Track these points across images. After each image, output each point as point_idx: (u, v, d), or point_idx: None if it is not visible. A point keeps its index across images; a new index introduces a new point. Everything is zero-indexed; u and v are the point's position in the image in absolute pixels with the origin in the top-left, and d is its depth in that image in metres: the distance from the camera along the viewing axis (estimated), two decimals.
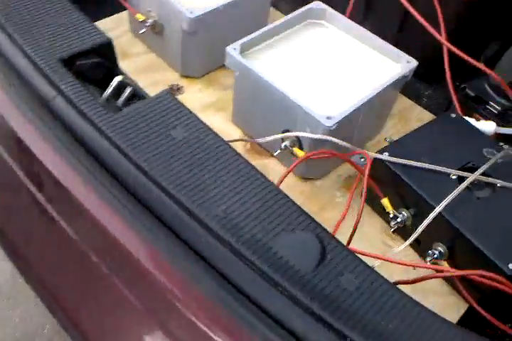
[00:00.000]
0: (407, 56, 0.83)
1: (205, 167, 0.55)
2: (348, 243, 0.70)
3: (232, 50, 0.80)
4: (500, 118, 0.89)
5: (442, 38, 0.86)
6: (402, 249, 0.70)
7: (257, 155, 0.89)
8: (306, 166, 0.81)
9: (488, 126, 0.82)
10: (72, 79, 0.59)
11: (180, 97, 0.93)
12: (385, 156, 0.73)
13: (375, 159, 0.74)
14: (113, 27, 1.04)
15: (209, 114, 0.93)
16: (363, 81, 0.81)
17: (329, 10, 0.90)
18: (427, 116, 0.98)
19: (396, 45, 1.05)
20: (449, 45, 0.86)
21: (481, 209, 0.69)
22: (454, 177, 0.72)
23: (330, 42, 0.88)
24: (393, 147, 0.75)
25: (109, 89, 0.63)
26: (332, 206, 0.83)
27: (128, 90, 0.65)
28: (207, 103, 0.95)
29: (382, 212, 0.79)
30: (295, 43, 0.87)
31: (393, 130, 0.95)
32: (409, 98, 1.01)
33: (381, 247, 0.79)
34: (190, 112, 0.61)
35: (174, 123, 0.59)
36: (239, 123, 0.92)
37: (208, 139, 0.58)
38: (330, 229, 0.53)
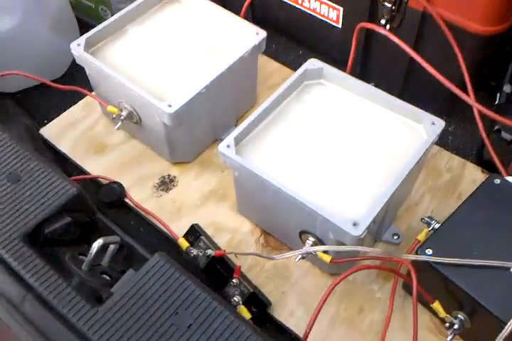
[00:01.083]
0: (430, 116, 0.70)
1: None
2: None
3: (225, 148, 0.67)
4: None
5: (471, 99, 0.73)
6: None
7: (276, 251, 0.77)
8: (332, 265, 0.69)
9: None
10: (42, 263, 0.48)
11: (175, 191, 0.82)
12: (430, 257, 0.61)
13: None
14: (84, 115, 0.92)
15: (210, 205, 0.82)
16: (385, 159, 0.69)
17: (326, 67, 0.76)
18: (457, 163, 0.86)
19: (403, 93, 0.94)
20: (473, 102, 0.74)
21: None
22: None
23: (335, 108, 0.75)
24: (435, 240, 0.63)
25: (90, 257, 0.52)
26: (372, 305, 0.71)
27: (111, 249, 0.53)
28: (206, 192, 0.83)
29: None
30: (294, 118, 0.74)
31: (424, 188, 0.83)
32: None
33: None
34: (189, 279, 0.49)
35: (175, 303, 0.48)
36: (246, 215, 0.80)
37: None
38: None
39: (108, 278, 0.54)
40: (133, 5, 0.86)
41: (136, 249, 0.57)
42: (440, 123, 0.69)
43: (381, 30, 0.80)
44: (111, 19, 0.83)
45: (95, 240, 0.53)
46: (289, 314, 0.71)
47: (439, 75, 0.76)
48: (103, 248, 0.53)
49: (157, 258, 0.52)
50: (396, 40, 0.78)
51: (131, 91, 0.74)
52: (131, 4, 0.86)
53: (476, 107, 0.75)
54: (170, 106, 0.72)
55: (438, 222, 0.67)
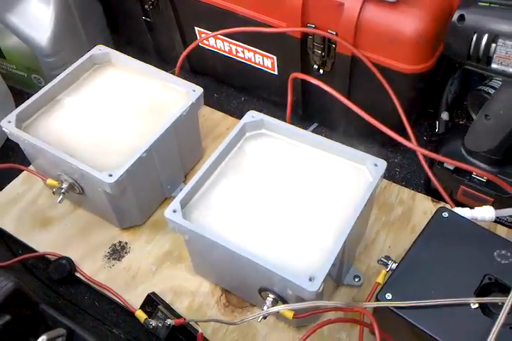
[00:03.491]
0: (372, 158, 0.70)
1: None
2: None
3: (172, 213, 0.65)
4: (493, 187, 0.78)
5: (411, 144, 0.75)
6: None
7: (239, 309, 0.75)
8: (299, 319, 0.67)
9: (486, 213, 0.71)
10: None
11: (128, 258, 0.80)
12: (390, 303, 0.60)
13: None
14: (25, 189, 0.89)
15: (166, 269, 0.79)
16: (333, 206, 0.68)
17: (267, 118, 0.76)
18: (407, 195, 0.86)
19: (347, 129, 0.96)
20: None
21: None
22: (474, 305, 0.59)
23: (278, 158, 0.74)
24: (393, 283, 0.62)
25: None
26: None
27: None
28: (160, 256, 0.81)
29: None
30: (239, 172, 0.73)
31: (378, 224, 0.83)
32: None
33: None
34: None
35: None
36: (203, 275, 0.78)
37: None
38: None
39: None
40: (64, 73, 0.85)
41: (86, 339, 0.53)
42: (382, 164, 0.69)
43: (313, 81, 0.81)
44: (42, 91, 0.82)
45: (42, 333, 0.50)
46: None
47: (374, 121, 0.77)
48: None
49: None
50: (327, 88, 0.80)
51: (69, 163, 0.72)
52: (61, 73, 0.85)
53: (419, 151, 0.76)
54: (110, 175, 0.71)
55: (395, 262, 0.67)
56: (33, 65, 1.04)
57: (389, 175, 0.92)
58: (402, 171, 0.94)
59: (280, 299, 0.65)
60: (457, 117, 0.99)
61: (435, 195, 0.85)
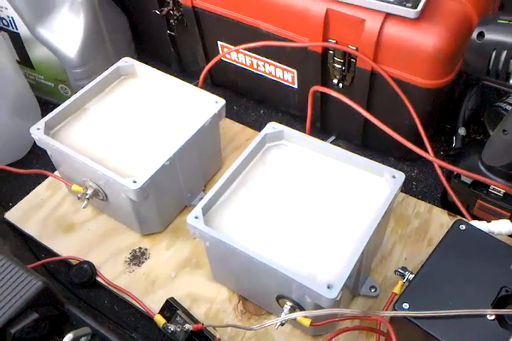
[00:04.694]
0: (390, 169, 0.71)
1: None
2: None
3: (194, 219, 0.67)
4: (510, 202, 0.78)
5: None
6: None
7: (256, 316, 0.76)
8: (314, 327, 0.68)
9: (503, 227, 0.71)
10: None
11: (147, 264, 0.81)
12: (407, 313, 0.60)
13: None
14: (50, 195, 0.91)
15: (185, 275, 0.81)
16: (352, 215, 0.69)
17: (287, 130, 0.78)
18: (423, 208, 0.87)
19: (365, 143, 0.97)
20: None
21: None
22: (491, 317, 0.60)
23: (298, 168, 0.76)
24: (410, 293, 0.63)
25: None
26: None
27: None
28: (180, 262, 0.82)
29: None
30: (259, 181, 0.74)
31: (395, 237, 0.84)
32: None
33: None
34: None
35: None
36: (222, 282, 0.79)
37: None
38: None
39: None
40: (92, 83, 0.88)
41: (109, 338, 0.55)
42: (400, 176, 0.71)
43: (333, 93, 0.83)
44: (70, 100, 0.85)
45: (67, 332, 0.52)
46: None
47: (393, 133, 0.79)
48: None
49: None
50: (347, 101, 0.82)
51: (94, 170, 0.75)
52: (90, 83, 0.88)
53: (436, 162, 0.78)
54: (135, 182, 0.73)
55: (412, 273, 0.67)
56: (61, 75, 1.07)
57: (405, 189, 0.93)
58: (419, 185, 0.95)
59: (298, 306, 0.66)
60: (474, 133, 1.00)
61: (452, 209, 0.86)
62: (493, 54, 0.67)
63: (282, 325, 0.65)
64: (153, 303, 0.77)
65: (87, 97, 0.88)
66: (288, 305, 0.66)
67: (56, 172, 0.88)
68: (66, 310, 0.55)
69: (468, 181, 0.81)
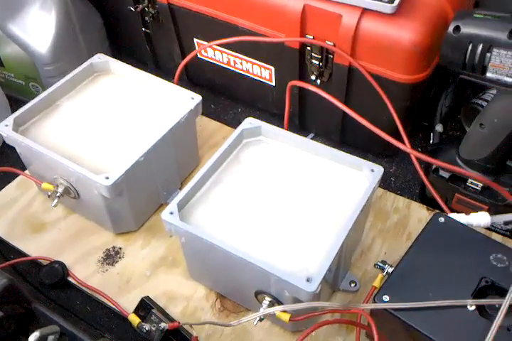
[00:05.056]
0: (369, 163, 0.70)
1: None
2: None
3: (169, 215, 0.65)
4: (487, 195, 0.79)
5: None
6: None
7: (234, 314, 0.74)
8: (293, 322, 0.66)
9: (482, 219, 0.71)
10: None
11: (121, 263, 0.79)
12: (387, 304, 0.59)
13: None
14: (20, 194, 0.88)
15: (161, 274, 0.78)
16: (330, 210, 0.68)
17: (265, 125, 0.77)
18: (402, 203, 0.87)
19: (343, 139, 0.97)
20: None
21: None
22: (471, 307, 0.59)
23: (276, 164, 0.74)
24: (390, 285, 0.62)
25: None
26: None
27: (50, 340, 0.49)
28: (155, 261, 0.80)
29: None
30: (236, 177, 0.73)
31: (374, 231, 0.83)
32: None
33: None
34: None
35: None
36: (198, 280, 0.77)
37: None
38: None
39: None
40: (64, 79, 0.86)
41: (78, 337, 0.52)
42: (379, 169, 0.70)
43: (310, 88, 0.83)
44: (41, 96, 0.82)
45: (33, 332, 0.49)
46: None
47: (372, 126, 0.79)
48: (42, 340, 0.49)
49: None
50: (325, 95, 0.81)
51: (65, 166, 0.72)
52: (61, 79, 0.86)
53: (413, 154, 0.77)
54: (107, 178, 0.71)
55: (391, 266, 0.67)
56: (32, 73, 1.05)
57: (384, 185, 0.93)
58: (397, 181, 0.95)
59: (277, 302, 0.65)
60: (451, 130, 1.01)
61: (430, 204, 0.86)
62: (469, 47, 0.67)
63: (261, 320, 0.63)
64: (127, 303, 0.74)
65: (59, 94, 0.85)
66: (267, 300, 0.65)
67: (26, 171, 0.85)
68: (33, 308, 0.53)
69: (446, 175, 0.81)
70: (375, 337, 0.57)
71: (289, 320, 0.62)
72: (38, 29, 0.99)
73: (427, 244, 0.66)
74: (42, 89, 1.06)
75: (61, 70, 1.01)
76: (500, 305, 0.56)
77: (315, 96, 0.84)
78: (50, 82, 1.00)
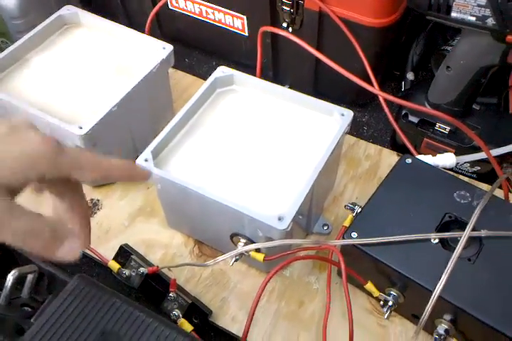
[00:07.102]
0: (339, 108, 0.72)
1: None
2: None
3: (143, 162, 0.66)
4: (454, 138, 0.81)
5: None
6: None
7: (211, 258, 0.76)
8: (268, 263, 0.69)
9: (448, 160, 0.74)
10: None
11: (100, 215, 0.80)
12: (355, 240, 0.62)
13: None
14: None
15: (139, 224, 0.80)
16: (302, 154, 0.70)
17: (237, 73, 0.77)
18: (374, 150, 0.89)
19: (316, 90, 0.97)
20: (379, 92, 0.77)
21: (475, 273, 0.60)
22: (435, 241, 0.62)
23: (249, 112, 0.75)
24: (359, 223, 0.65)
25: (6, 290, 0.49)
26: (311, 297, 0.72)
27: (29, 279, 0.51)
28: (133, 211, 0.82)
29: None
30: (210, 125, 0.74)
31: (346, 178, 0.85)
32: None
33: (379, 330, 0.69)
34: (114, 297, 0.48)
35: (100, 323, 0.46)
36: (176, 227, 0.79)
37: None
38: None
39: (30, 309, 0.51)
40: (32, 32, 0.84)
41: (57, 276, 0.54)
42: (349, 114, 0.71)
43: (281, 32, 0.83)
44: (8, 49, 0.81)
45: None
46: (231, 319, 0.70)
47: (342, 70, 0.79)
48: (20, 279, 0.51)
49: (76, 281, 0.50)
50: (297, 40, 0.81)
51: (38, 117, 0.72)
52: (29, 32, 0.84)
53: (381, 95, 0.79)
54: (81, 127, 0.71)
55: (360, 207, 0.69)
56: (0, 28, 1.02)
57: (357, 134, 0.94)
58: (369, 129, 0.97)
59: (251, 242, 0.67)
60: (423, 78, 1.02)
61: (401, 150, 0.88)
62: None
63: (237, 260, 0.65)
64: (107, 252, 0.76)
65: (28, 47, 0.84)
66: (242, 242, 0.67)
67: None
68: (12, 250, 0.54)
69: (416, 120, 0.83)
70: (343, 269, 0.60)
71: (264, 259, 0.65)
72: None
73: (394, 184, 0.69)
74: (11, 44, 1.04)
75: (30, 24, 0.99)
76: (461, 237, 0.59)
77: (288, 46, 0.84)
78: (20, 37, 0.98)
